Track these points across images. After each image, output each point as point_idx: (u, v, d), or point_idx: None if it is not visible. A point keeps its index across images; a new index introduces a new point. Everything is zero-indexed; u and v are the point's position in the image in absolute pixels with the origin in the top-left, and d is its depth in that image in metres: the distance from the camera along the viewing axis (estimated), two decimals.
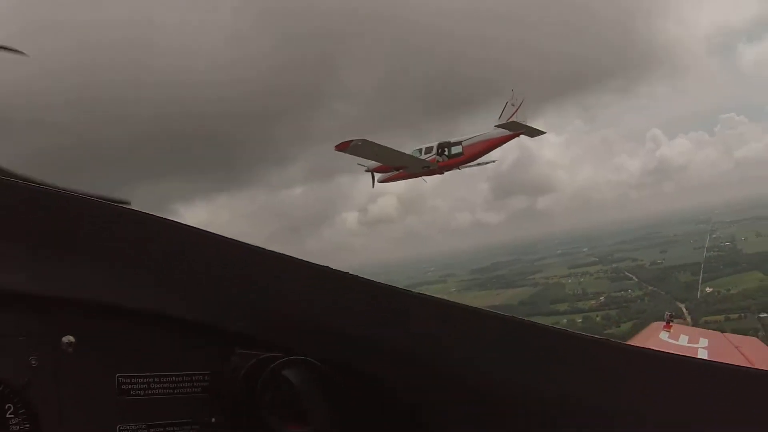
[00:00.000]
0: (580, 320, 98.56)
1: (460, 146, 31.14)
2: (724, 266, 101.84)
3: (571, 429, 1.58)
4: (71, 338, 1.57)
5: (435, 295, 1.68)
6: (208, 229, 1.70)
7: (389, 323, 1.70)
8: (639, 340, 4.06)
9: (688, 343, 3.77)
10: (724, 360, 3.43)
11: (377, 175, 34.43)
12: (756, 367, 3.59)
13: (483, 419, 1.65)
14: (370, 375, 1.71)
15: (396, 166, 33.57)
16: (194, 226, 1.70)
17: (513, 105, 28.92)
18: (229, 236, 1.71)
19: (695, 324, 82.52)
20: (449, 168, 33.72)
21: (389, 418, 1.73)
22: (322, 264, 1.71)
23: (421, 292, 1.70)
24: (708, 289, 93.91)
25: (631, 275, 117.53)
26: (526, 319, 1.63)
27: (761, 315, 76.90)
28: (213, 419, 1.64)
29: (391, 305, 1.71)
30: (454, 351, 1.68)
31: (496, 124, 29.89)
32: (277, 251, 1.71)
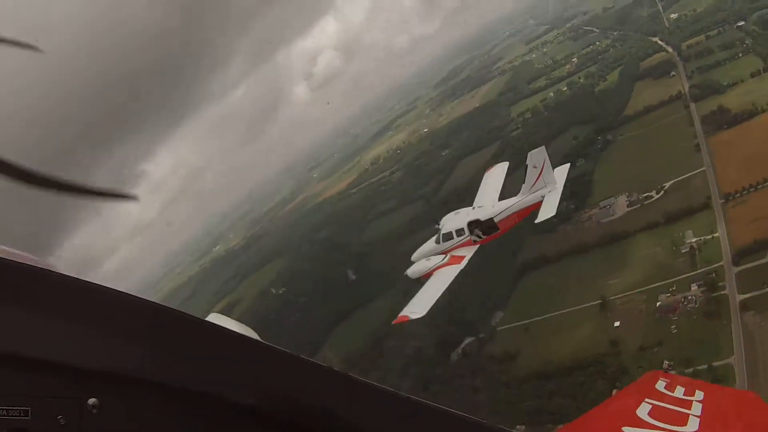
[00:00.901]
0: (565, 88, 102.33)
1: (492, 221, 27.99)
2: None
3: None
4: (96, 400, 1.75)
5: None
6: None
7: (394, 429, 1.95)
8: (635, 389, 3.88)
9: (683, 395, 3.56)
10: (718, 417, 3.43)
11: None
12: (752, 428, 3.34)
13: None
14: None
15: None
16: (210, 321, 2.07)
17: (535, 167, 25.59)
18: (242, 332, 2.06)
19: (678, 51, 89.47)
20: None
21: None
22: None
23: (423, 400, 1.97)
24: (673, 16, 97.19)
25: (590, 28, 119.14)
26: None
27: (740, 24, 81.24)
28: None
29: (400, 412, 1.97)
30: None
31: (524, 191, 26.58)
32: (286, 350, 1.98)
